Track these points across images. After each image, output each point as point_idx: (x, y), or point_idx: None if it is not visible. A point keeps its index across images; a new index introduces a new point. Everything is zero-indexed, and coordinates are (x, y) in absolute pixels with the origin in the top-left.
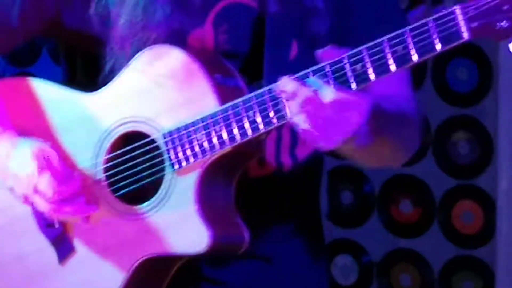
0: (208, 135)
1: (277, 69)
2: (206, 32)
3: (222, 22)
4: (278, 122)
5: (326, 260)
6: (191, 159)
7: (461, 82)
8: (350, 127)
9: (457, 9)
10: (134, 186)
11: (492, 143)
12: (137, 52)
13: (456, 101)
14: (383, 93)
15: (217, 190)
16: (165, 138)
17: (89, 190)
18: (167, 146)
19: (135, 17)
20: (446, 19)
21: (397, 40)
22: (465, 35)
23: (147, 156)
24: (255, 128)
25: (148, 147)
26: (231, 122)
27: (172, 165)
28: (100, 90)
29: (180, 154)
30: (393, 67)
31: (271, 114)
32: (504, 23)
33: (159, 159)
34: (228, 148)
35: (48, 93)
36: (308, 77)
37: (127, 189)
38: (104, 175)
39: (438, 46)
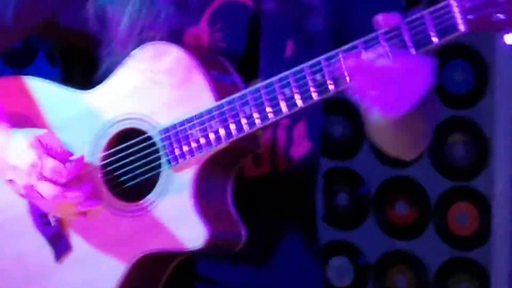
0: (204, 131)
1: (273, 67)
2: (201, 30)
3: (218, 21)
4: (274, 117)
5: (321, 259)
6: (188, 156)
7: (457, 84)
8: (418, 89)
9: (453, 1)
10: (131, 183)
11: (488, 145)
12: (132, 48)
13: (452, 103)
14: None
15: (214, 186)
16: (161, 134)
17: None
18: (163, 142)
19: (133, 16)
20: (442, 11)
21: (393, 33)
22: (462, 28)
23: (143, 153)
24: (251, 123)
25: (144, 144)
26: (227, 117)
27: (169, 161)
28: (96, 88)
29: (177, 151)
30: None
31: (267, 109)
32: (500, 15)
33: (156, 155)
34: (224, 144)
35: (44, 91)
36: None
37: (124, 186)
38: (101, 172)
39: (435, 39)
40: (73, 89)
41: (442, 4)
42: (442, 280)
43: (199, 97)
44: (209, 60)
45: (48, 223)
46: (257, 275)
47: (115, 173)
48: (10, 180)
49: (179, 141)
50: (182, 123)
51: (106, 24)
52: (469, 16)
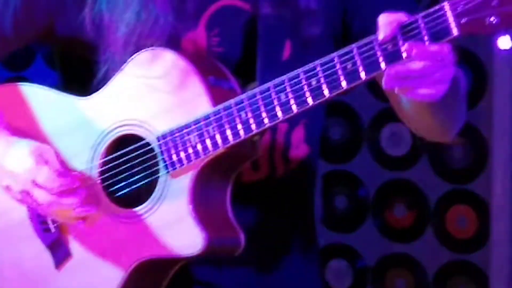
0: (202, 136)
1: (270, 70)
2: (198, 35)
3: (215, 25)
4: (270, 122)
5: (319, 264)
6: (185, 161)
7: None
8: (447, 73)
9: (446, 5)
10: (129, 188)
11: (487, 148)
12: (129, 54)
13: None
14: None
15: (212, 192)
16: (159, 140)
17: (86, 191)
18: (161, 148)
19: (129, 23)
20: (435, 15)
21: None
22: (454, 31)
23: (141, 159)
24: (247, 129)
25: (142, 150)
26: (224, 123)
27: (166, 167)
28: (94, 94)
29: (174, 156)
30: (383, 65)
31: (263, 114)
32: (493, 19)
33: (154, 161)
34: (221, 149)
35: (42, 98)
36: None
37: (122, 192)
38: (99, 178)
39: (428, 43)
40: (70, 95)
41: (435, 8)
42: (441, 283)
43: (196, 102)
44: (205, 65)
45: (48, 229)
46: (256, 279)
47: (113, 179)
48: (7, 186)
49: (177, 147)
50: (179, 129)
51: (103, 31)
52: (462, 20)
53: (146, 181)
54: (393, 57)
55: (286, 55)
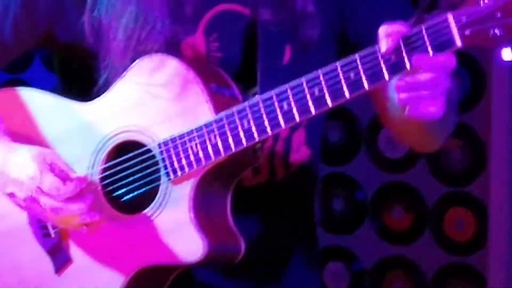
0: (203, 144)
1: (271, 75)
2: (197, 39)
3: (214, 30)
4: (272, 131)
5: (320, 267)
6: (187, 169)
7: None
8: (444, 88)
9: (450, 17)
10: (130, 195)
11: (485, 151)
12: (130, 60)
13: None
14: None
15: (213, 199)
16: (160, 147)
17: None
18: (162, 155)
19: (127, 28)
20: (439, 27)
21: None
22: (458, 43)
23: (142, 166)
24: (249, 137)
25: (143, 157)
26: (226, 131)
27: (168, 174)
28: (95, 100)
29: (176, 163)
30: (386, 76)
31: (266, 122)
32: (497, 31)
33: (155, 168)
34: (223, 157)
35: (41, 102)
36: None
37: (123, 198)
38: (100, 184)
39: (431, 53)
40: (71, 100)
41: (439, 19)
42: (439, 285)
43: (198, 110)
44: (207, 72)
45: (48, 234)
46: (257, 282)
47: (115, 186)
48: (11, 193)
49: (178, 154)
50: (181, 136)
51: (102, 36)
52: (466, 32)
53: (147, 187)
54: (396, 68)
55: (286, 59)
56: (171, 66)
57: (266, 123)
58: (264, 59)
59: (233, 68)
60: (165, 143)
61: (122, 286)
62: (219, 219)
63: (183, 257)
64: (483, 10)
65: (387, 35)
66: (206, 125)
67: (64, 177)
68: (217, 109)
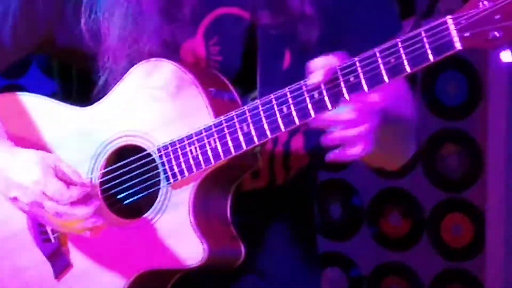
0: (203, 148)
1: (271, 79)
2: (197, 43)
3: (214, 34)
4: (272, 135)
5: (319, 273)
6: (186, 173)
7: (450, 95)
8: (373, 127)
9: (449, 19)
10: (130, 199)
11: (482, 157)
12: (128, 64)
13: (445, 114)
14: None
15: (213, 203)
16: (160, 152)
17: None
18: (162, 159)
19: (124, 30)
20: (438, 29)
21: (390, 51)
22: (457, 45)
23: (142, 170)
24: (249, 141)
25: (143, 161)
26: (226, 135)
27: (167, 178)
28: (94, 104)
29: (175, 168)
30: (386, 78)
31: (265, 126)
32: (496, 33)
33: (154, 172)
34: (223, 161)
35: (41, 107)
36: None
37: (122, 203)
38: (100, 189)
39: (431, 57)
40: (70, 105)
41: (438, 21)
42: None
43: (198, 114)
44: (206, 76)
45: (48, 239)
46: (255, 286)
47: (114, 190)
48: (15, 198)
49: (178, 158)
50: (181, 140)
51: (100, 39)
52: (465, 34)
53: (147, 192)
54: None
55: (286, 63)
56: (170, 70)
57: (266, 126)
58: (264, 63)
59: (233, 72)
60: (165, 147)
61: None
62: (219, 223)
63: (183, 261)
64: (482, 12)
65: (318, 68)
66: (205, 129)
67: (68, 181)
68: (216, 113)
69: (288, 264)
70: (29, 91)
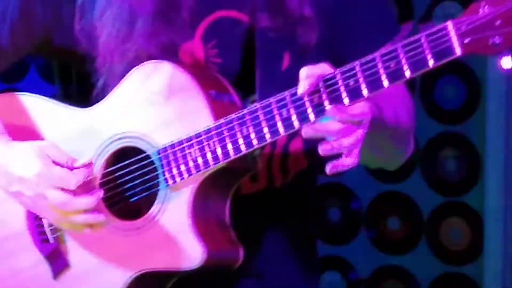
0: (202, 150)
1: (270, 81)
2: (195, 45)
3: (212, 36)
4: (272, 138)
5: (318, 276)
6: (186, 175)
7: (449, 99)
8: (361, 137)
9: (450, 25)
10: (129, 201)
11: (480, 161)
12: (127, 66)
13: (444, 118)
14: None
15: (212, 205)
16: (159, 154)
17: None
18: (161, 161)
19: (120, 32)
20: (438, 34)
21: (390, 56)
22: (458, 51)
23: (141, 172)
24: (248, 144)
25: (142, 163)
26: (225, 137)
27: (167, 180)
28: (94, 105)
29: (175, 170)
30: (386, 83)
31: (265, 129)
32: (496, 39)
33: (154, 174)
34: (222, 163)
35: (41, 107)
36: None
37: (122, 204)
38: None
39: (431, 62)
40: (70, 107)
41: (438, 27)
42: None
43: (198, 116)
44: (207, 78)
45: (46, 240)
46: None
47: (114, 191)
48: (18, 192)
49: (177, 160)
50: (180, 142)
51: (96, 41)
52: (466, 40)
53: (146, 193)
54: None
55: (285, 66)
56: (170, 72)
57: (266, 129)
58: (263, 65)
59: (232, 74)
60: (164, 150)
61: None
62: (217, 225)
63: (182, 263)
64: (482, 18)
65: (306, 77)
66: (205, 131)
67: (71, 167)
68: (216, 116)
69: (286, 267)
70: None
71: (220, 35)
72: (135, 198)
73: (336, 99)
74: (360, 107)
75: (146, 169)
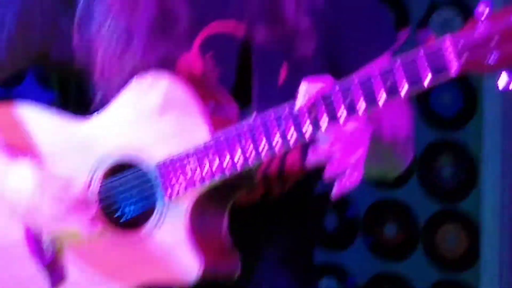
0: (200, 165)
1: (267, 94)
2: (193, 57)
3: (209, 48)
4: (269, 153)
5: (315, 283)
6: (183, 189)
7: (445, 106)
8: (363, 153)
9: (447, 41)
10: (127, 215)
11: (476, 168)
12: (125, 79)
13: (440, 125)
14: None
15: (209, 219)
16: (157, 168)
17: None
18: (159, 176)
19: (117, 45)
20: (435, 51)
21: (388, 73)
22: (454, 69)
23: (139, 185)
24: (246, 159)
25: (140, 177)
26: (224, 152)
27: (164, 194)
28: (92, 118)
29: (172, 184)
30: (381, 100)
31: (264, 145)
32: (493, 56)
33: (152, 188)
34: (220, 178)
35: (38, 118)
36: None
37: (119, 218)
38: (98, 202)
39: (427, 79)
40: (68, 118)
41: (436, 45)
42: None
43: (195, 130)
44: (205, 90)
45: (44, 250)
46: None
47: (111, 205)
48: (13, 205)
49: (175, 174)
50: (178, 157)
51: (94, 54)
52: (462, 57)
53: (144, 207)
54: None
55: (282, 78)
56: (168, 85)
57: (265, 145)
58: (260, 77)
59: (229, 86)
60: (162, 164)
61: None
62: (215, 239)
63: (179, 276)
64: (479, 35)
65: (305, 93)
66: (204, 146)
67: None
68: (214, 130)
69: (284, 275)
70: (25, 100)
71: (217, 46)
72: (133, 212)
73: (333, 116)
74: (358, 124)
75: (144, 183)
